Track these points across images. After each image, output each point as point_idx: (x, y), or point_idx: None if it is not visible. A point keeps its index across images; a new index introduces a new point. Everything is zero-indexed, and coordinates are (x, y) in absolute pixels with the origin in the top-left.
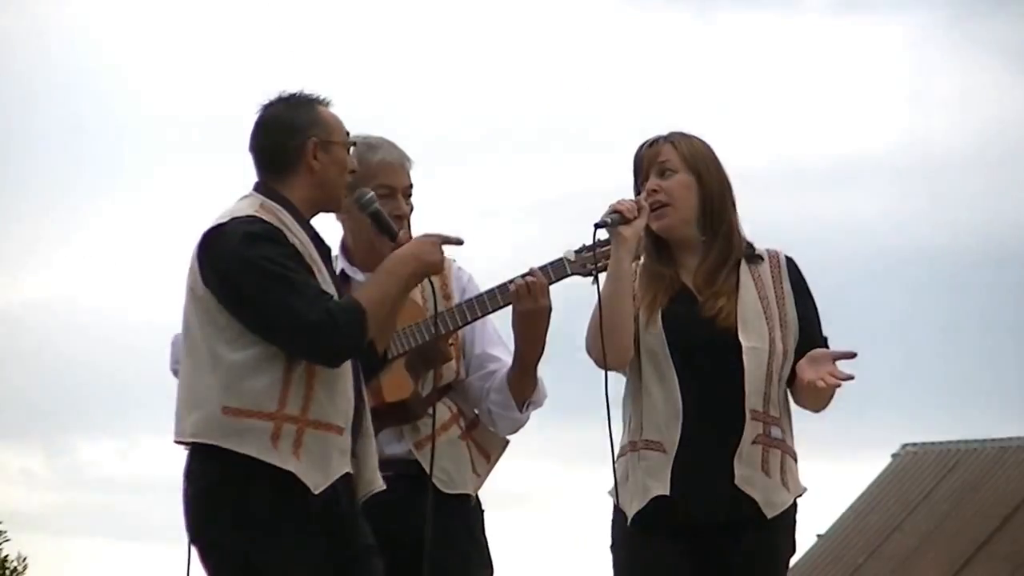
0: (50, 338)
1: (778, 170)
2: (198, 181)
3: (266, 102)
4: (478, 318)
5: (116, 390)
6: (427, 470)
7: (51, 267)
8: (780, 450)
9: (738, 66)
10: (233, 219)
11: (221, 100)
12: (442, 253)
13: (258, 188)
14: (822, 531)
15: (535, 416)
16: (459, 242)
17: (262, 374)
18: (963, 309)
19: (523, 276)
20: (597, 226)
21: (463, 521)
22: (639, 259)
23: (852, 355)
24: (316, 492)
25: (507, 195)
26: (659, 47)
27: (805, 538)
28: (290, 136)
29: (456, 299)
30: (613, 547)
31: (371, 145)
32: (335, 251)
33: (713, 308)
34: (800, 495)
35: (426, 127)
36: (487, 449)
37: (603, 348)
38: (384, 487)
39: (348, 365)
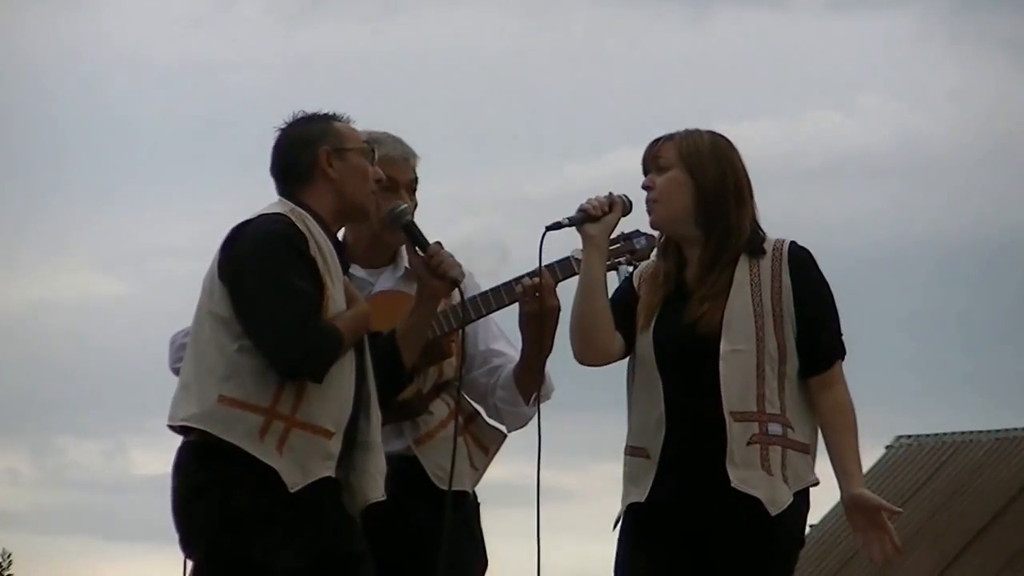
0: (37, 341)
1: (772, 167)
2: (184, 188)
3: (282, 124)
4: (482, 316)
5: (102, 392)
6: (425, 468)
7: (37, 272)
8: (780, 446)
9: (733, 64)
10: (261, 215)
11: (213, 103)
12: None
13: (285, 196)
14: (815, 522)
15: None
16: None
17: (261, 369)
18: (955, 301)
19: (530, 275)
20: (548, 228)
21: (461, 516)
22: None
23: (898, 512)
24: (292, 490)
25: (498, 193)
26: (653, 46)
27: None
28: (302, 149)
29: (456, 297)
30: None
31: (375, 139)
32: None
33: (696, 312)
34: (801, 489)
35: (419, 125)
36: (485, 443)
37: (575, 349)
38: (384, 497)
39: (347, 372)
